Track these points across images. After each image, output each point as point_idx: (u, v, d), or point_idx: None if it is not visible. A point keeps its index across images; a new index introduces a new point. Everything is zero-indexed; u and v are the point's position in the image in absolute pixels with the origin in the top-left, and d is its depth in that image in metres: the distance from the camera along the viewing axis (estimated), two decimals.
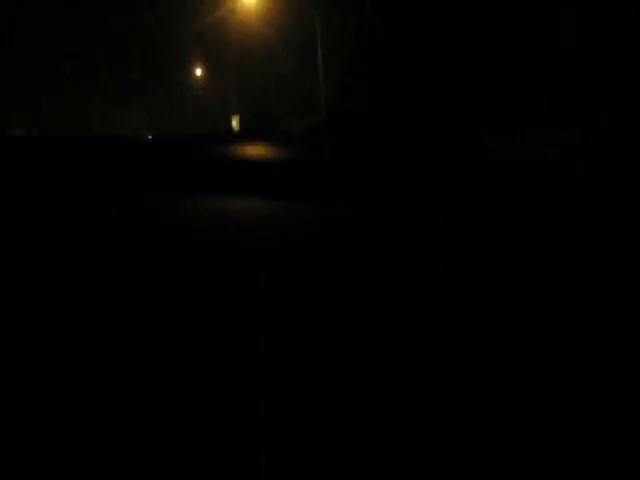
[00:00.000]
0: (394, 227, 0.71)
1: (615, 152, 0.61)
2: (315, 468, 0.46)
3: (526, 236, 0.70)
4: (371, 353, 0.54)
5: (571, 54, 0.62)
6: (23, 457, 0.46)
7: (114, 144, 1.28)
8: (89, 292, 0.63)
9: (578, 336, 0.56)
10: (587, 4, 0.54)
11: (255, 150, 1.06)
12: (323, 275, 0.58)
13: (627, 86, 0.57)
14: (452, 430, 0.49)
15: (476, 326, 0.58)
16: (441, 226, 0.73)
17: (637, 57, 0.55)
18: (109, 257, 0.61)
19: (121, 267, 0.60)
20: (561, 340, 0.56)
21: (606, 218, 0.65)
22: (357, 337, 0.56)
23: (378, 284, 0.62)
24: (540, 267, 0.63)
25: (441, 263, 0.66)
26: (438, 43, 0.65)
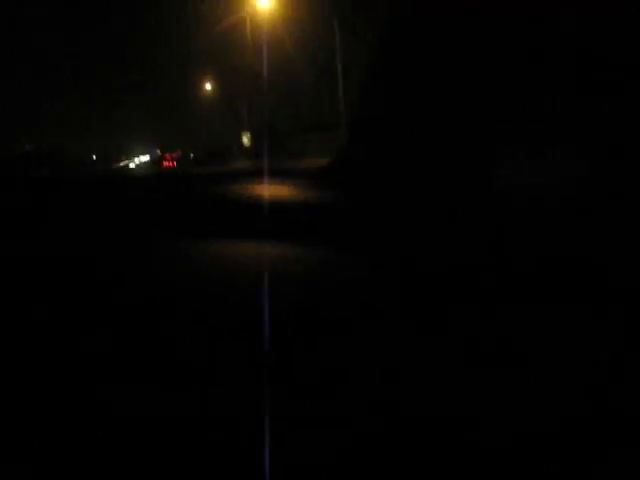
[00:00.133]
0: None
1: (615, 153, 0.62)
2: (316, 468, 0.46)
3: (526, 236, 0.71)
4: (371, 353, 0.55)
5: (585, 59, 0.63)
6: (23, 457, 0.47)
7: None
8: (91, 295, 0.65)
9: (578, 336, 0.57)
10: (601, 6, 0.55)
11: (276, 191, 1.04)
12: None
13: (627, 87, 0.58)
14: (452, 430, 0.50)
15: (476, 326, 0.59)
16: (442, 227, 0.74)
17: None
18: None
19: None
20: (561, 340, 0.57)
21: (606, 218, 0.66)
22: (357, 336, 0.57)
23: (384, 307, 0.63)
24: (540, 267, 0.64)
25: (441, 264, 0.68)
26: (458, 50, 0.65)
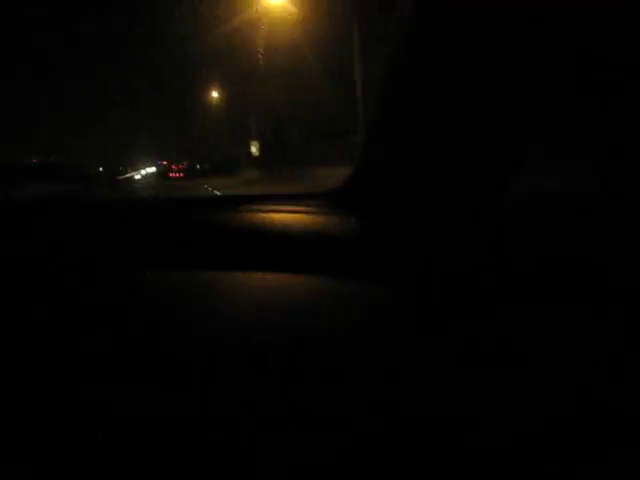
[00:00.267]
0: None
1: (615, 152, 0.64)
2: (314, 468, 0.47)
3: (526, 236, 0.72)
4: (370, 353, 0.56)
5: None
6: (22, 457, 0.47)
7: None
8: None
9: (578, 336, 0.58)
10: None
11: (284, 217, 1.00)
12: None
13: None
14: (452, 430, 0.51)
15: (476, 326, 0.60)
16: (446, 228, 0.75)
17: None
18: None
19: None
20: (561, 340, 0.58)
21: (606, 218, 0.67)
22: (357, 336, 0.58)
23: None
24: (540, 267, 0.66)
25: (441, 264, 0.69)
26: (482, 50, 0.65)
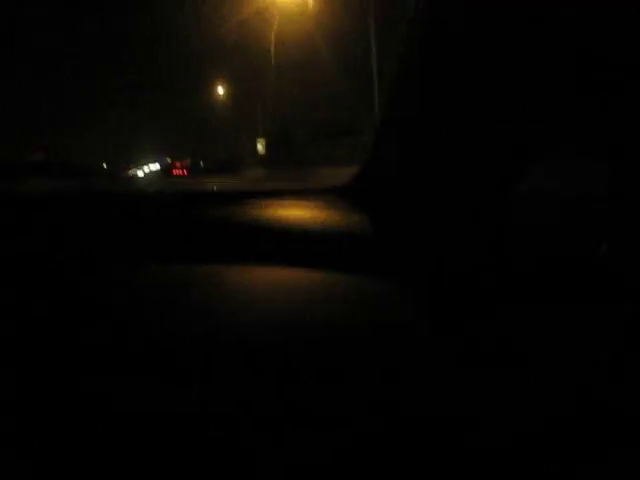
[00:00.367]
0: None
1: (615, 152, 0.65)
2: (313, 467, 0.48)
3: (526, 236, 0.73)
4: (371, 352, 0.57)
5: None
6: (21, 452, 0.48)
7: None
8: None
9: (578, 336, 0.59)
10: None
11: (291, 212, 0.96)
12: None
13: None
14: (452, 430, 0.51)
15: (476, 326, 0.61)
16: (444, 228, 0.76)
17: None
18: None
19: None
20: (561, 340, 0.59)
21: (606, 218, 0.68)
22: (358, 334, 0.59)
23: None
24: (541, 267, 0.67)
25: (444, 264, 0.70)
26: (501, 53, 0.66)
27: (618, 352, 0.56)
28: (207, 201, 1.08)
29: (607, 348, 0.57)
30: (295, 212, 0.96)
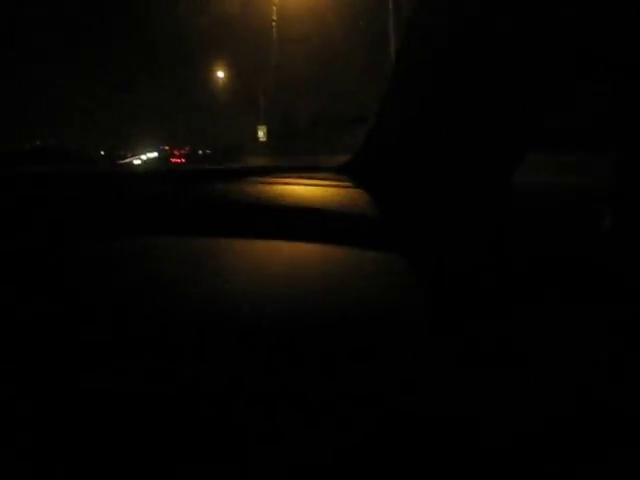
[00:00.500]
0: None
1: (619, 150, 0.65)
2: (312, 467, 0.48)
3: (527, 236, 0.74)
4: (370, 352, 0.57)
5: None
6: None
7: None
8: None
9: (578, 336, 0.60)
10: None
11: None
12: None
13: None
14: (452, 430, 0.52)
15: (476, 326, 0.62)
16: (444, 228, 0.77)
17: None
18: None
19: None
20: (561, 340, 0.60)
21: (606, 218, 0.69)
22: (357, 334, 0.60)
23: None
24: (541, 267, 0.67)
25: (441, 264, 0.71)
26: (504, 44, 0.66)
27: (618, 352, 0.57)
28: (206, 178, 1.08)
29: (607, 348, 0.58)
30: (294, 188, 0.97)
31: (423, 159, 0.86)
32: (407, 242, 0.75)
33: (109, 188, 1.00)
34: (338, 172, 1.12)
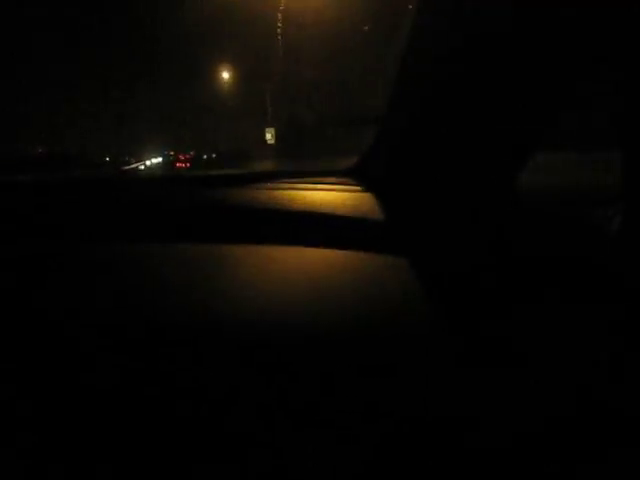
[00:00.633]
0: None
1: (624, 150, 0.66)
2: (311, 467, 0.50)
3: (527, 235, 0.75)
4: (370, 352, 0.59)
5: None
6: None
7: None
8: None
9: (578, 336, 0.61)
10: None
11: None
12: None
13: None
14: (452, 430, 0.53)
15: (476, 326, 0.63)
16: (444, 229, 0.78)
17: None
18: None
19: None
20: (561, 340, 0.61)
21: (614, 218, 0.70)
22: (357, 334, 0.62)
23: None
24: (542, 267, 0.68)
25: (444, 264, 0.72)
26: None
27: (618, 352, 0.58)
28: (218, 183, 1.10)
29: (607, 348, 0.59)
30: (304, 193, 0.99)
31: (430, 161, 0.87)
32: (414, 245, 0.76)
33: (118, 194, 1.03)
34: (345, 175, 1.13)
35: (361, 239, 0.79)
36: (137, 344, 0.59)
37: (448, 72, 0.76)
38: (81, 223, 0.88)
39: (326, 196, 0.97)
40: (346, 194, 0.99)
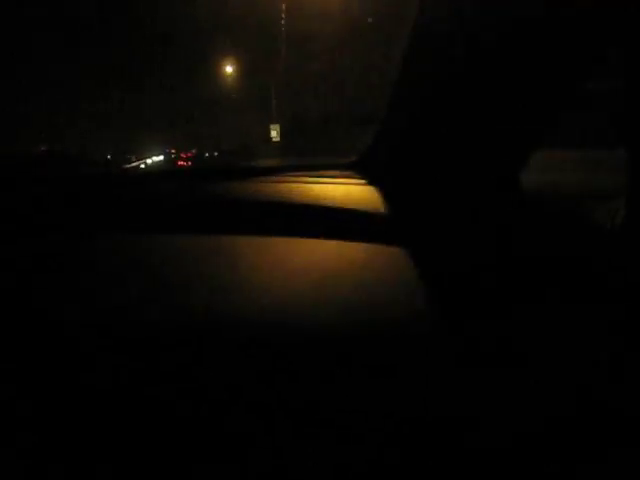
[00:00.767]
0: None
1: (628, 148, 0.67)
2: (310, 467, 0.51)
3: (527, 236, 0.75)
4: (371, 348, 0.59)
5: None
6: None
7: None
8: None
9: (578, 336, 0.62)
10: None
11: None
12: None
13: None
14: (452, 430, 0.54)
15: (476, 326, 0.63)
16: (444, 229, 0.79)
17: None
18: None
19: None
20: (561, 340, 0.62)
21: (617, 216, 0.70)
22: (357, 333, 0.63)
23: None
24: (542, 267, 0.69)
25: (444, 262, 0.73)
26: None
27: (618, 352, 0.59)
28: (225, 177, 1.12)
29: (607, 348, 0.60)
30: (306, 185, 1.00)
31: (430, 159, 0.89)
32: (417, 237, 0.78)
33: (123, 189, 1.04)
34: (347, 169, 1.15)
35: (365, 231, 0.80)
36: (137, 343, 0.60)
37: (448, 71, 0.78)
38: (81, 218, 0.89)
39: (330, 189, 0.98)
40: (350, 187, 1.00)
